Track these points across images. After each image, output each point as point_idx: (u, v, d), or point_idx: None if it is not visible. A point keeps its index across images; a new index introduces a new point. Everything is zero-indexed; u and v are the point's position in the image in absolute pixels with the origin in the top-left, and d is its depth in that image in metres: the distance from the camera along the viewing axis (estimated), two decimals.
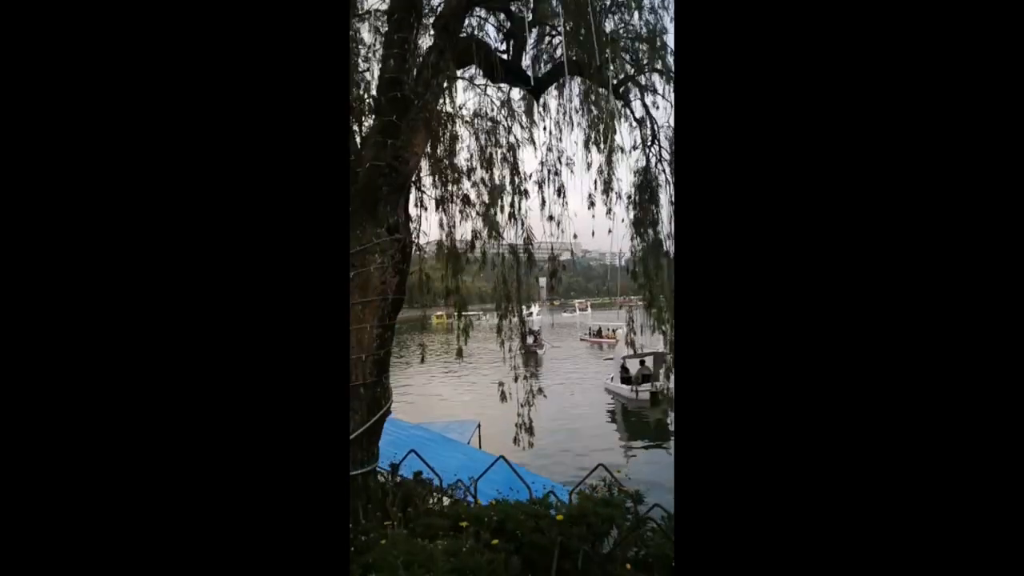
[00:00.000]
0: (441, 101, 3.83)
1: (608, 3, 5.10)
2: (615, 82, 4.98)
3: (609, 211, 5.43)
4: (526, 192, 4.73)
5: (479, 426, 11.78)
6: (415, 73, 3.61)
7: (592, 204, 5.03)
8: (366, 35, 4.99)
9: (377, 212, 3.26)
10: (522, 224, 4.78)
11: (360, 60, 4.86)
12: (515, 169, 4.68)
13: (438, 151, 4.37)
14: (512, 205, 4.76)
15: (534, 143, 4.84)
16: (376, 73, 4.73)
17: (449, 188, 4.91)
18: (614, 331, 27.53)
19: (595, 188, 5.25)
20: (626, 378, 19.22)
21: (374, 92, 4.61)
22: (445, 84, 3.66)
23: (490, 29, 5.14)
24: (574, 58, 4.32)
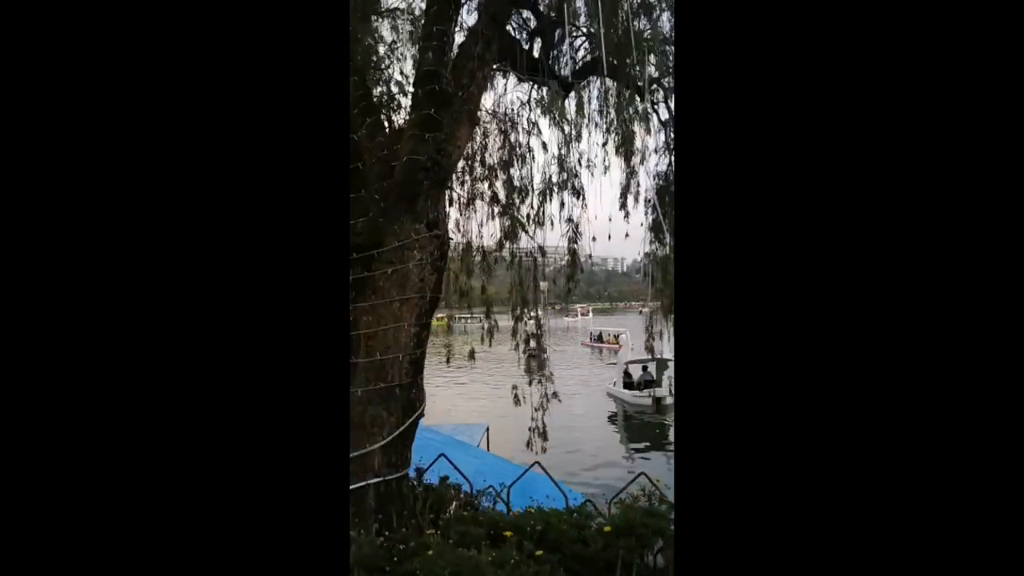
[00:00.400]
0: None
1: (637, 4, 5.03)
2: (640, 84, 4.90)
3: (627, 215, 5.37)
4: (572, 187, 4.64)
5: (487, 430, 11.66)
6: (451, 66, 3.51)
7: (623, 206, 4.96)
8: (386, 33, 4.91)
9: (416, 207, 3.15)
10: (552, 224, 4.69)
11: (382, 57, 4.77)
12: (562, 165, 4.59)
13: (469, 148, 4.27)
14: (542, 205, 4.68)
15: (567, 143, 4.76)
16: (399, 69, 4.66)
17: (470, 186, 4.82)
18: (616, 336, 27.46)
19: (618, 191, 5.18)
20: (628, 383, 19.16)
21: (403, 87, 4.53)
22: (487, 77, 3.56)
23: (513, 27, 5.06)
24: (611, 59, 4.24)
